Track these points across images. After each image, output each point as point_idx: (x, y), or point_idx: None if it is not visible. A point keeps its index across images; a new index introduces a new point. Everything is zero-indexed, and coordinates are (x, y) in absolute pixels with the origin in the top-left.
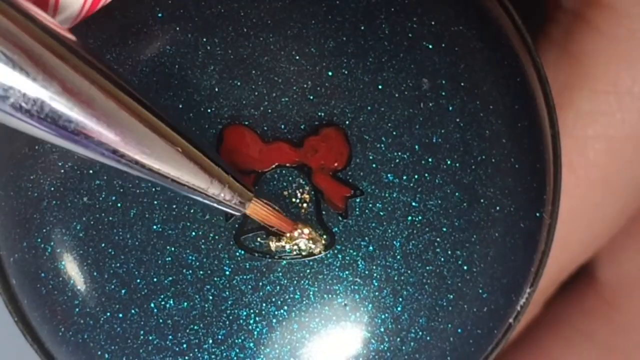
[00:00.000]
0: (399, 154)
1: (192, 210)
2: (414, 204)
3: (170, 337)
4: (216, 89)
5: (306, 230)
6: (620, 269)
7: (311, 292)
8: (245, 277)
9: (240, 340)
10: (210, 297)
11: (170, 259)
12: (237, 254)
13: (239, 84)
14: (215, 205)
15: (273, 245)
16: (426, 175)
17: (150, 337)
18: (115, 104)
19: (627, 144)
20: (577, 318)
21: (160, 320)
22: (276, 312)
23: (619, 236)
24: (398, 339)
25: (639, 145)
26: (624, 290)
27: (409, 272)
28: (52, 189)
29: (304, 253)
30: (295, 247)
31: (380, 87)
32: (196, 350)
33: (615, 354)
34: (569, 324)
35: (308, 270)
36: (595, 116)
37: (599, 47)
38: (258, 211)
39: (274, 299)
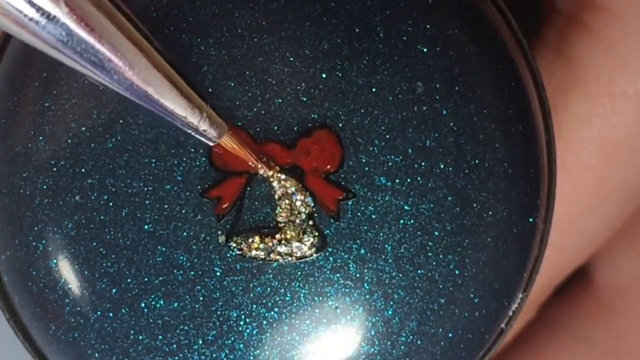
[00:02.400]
0: (392, 157)
1: (183, 211)
2: (406, 207)
3: (160, 337)
4: (209, 89)
5: (270, 172)
6: (616, 272)
7: (302, 295)
8: (236, 278)
9: (230, 342)
10: (201, 298)
11: (161, 259)
12: (228, 255)
13: (232, 84)
14: (190, 132)
15: (264, 245)
16: (419, 178)
17: (140, 337)
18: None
19: (622, 146)
20: (573, 321)
21: (151, 320)
22: (266, 314)
23: (615, 239)
24: (388, 343)
25: (633, 147)
26: (620, 293)
27: (400, 275)
28: (45, 187)
29: (295, 255)
30: (287, 248)
31: (374, 89)
32: (186, 350)
33: (611, 358)
34: (564, 327)
35: (299, 273)
36: (589, 119)
37: (593, 49)
38: (230, 143)
39: (264, 301)
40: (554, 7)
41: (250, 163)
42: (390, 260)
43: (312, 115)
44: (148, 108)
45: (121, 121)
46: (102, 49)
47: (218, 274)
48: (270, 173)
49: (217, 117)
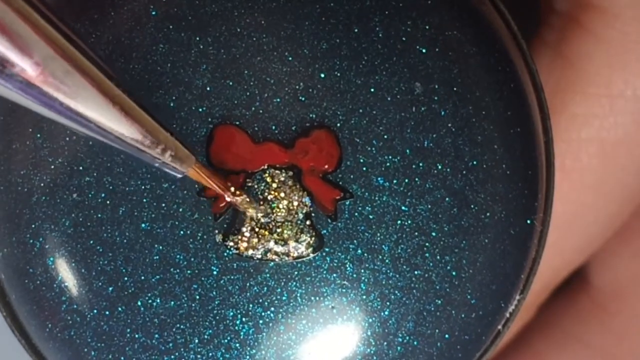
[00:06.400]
0: (390, 157)
1: (180, 209)
2: (403, 208)
3: (156, 335)
4: (208, 88)
5: (242, 197)
6: (614, 274)
7: (298, 294)
8: (232, 277)
9: (226, 341)
10: (197, 297)
11: (158, 257)
12: (225, 254)
13: (230, 83)
14: (156, 164)
15: (261, 245)
16: (417, 179)
17: (137, 336)
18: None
19: (620, 147)
20: (571, 322)
21: (147, 319)
22: (263, 313)
23: (613, 241)
24: (385, 343)
25: (632, 148)
26: (618, 294)
27: (397, 276)
28: (42, 184)
29: (292, 255)
30: (284, 248)
31: (372, 90)
32: (182, 349)
33: (607, 358)
34: (562, 328)
35: (296, 272)
36: (588, 119)
37: (591, 49)
38: (197, 174)
39: (261, 300)
40: (552, 8)
41: (218, 192)
42: (387, 261)
43: (311, 115)
44: (114, 145)
45: None
46: (80, 110)
47: (215, 273)
48: (237, 199)
49: (184, 150)
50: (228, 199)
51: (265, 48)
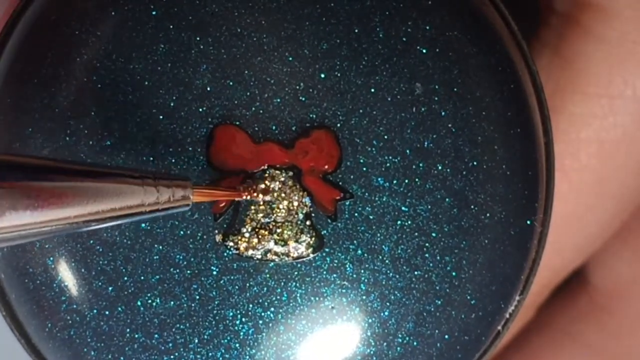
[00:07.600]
0: (390, 157)
1: None
2: (403, 208)
3: (156, 335)
4: (208, 88)
5: (261, 186)
6: (613, 274)
7: (298, 295)
8: (232, 277)
9: (226, 341)
10: (197, 297)
11: (157, 257)
12: (225, 254)
13: (231, 83)
14: (160, 214)
15: (261, 245)
16: (417, 180)
17: (136, 335)
18: None
19: (620, 147)
20: (570, 322)
21: (147, 319)
22: (263, 314)
23: (612, 240)
24: (384, 344)
25: (631, 148)
26: (617, 294)
27: (397, 276)
28: None
29: (292, 255)
30: (284, 248)
31: (372, 90)
32: (182, 349)
33: (606, 358)
34: (561, 328)
35: (296, 273)
36: (587, 119)
37: (591, 49)
38: (203, 195)
39: (260, 300)
40: (551, 8)
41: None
42: (387, 261)
43: (311, 115)
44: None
45: (119, 119)
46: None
47: (214, 273)
48: (255, 195)
49: (173, 181)
50: (245, 198)
51: (265, 48)
